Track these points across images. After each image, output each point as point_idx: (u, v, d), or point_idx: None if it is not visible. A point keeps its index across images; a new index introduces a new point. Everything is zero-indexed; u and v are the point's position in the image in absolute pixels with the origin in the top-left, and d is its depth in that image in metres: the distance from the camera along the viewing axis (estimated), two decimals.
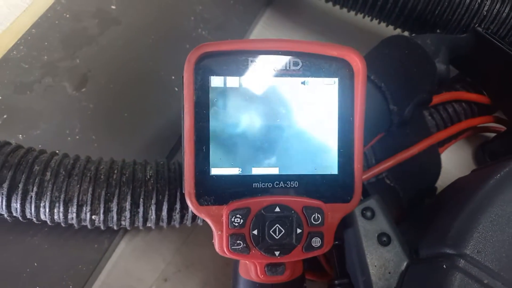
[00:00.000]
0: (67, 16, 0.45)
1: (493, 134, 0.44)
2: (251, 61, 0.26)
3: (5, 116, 0.39)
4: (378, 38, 0.38)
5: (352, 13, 0.45)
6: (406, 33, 0.45)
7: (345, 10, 0.45)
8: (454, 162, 0.43)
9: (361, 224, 0.28)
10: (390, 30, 0.45)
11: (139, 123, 0.40)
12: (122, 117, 0.41)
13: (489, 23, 0.39)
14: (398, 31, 0.45)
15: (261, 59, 0.26)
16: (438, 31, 0.41)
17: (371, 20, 0.45)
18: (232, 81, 0.26)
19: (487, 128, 0.44)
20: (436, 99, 0.40)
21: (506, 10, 0.39)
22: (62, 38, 0.44)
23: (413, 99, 0.34)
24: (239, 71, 0.26)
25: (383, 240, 0.28)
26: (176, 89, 0.43)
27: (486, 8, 0.39)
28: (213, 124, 0.26)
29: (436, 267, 0.25)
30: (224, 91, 0.26)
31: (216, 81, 0.26)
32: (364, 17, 0.45)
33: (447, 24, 0.41)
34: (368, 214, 0.28)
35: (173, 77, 0.43)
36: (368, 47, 0.38)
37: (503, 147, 0.41)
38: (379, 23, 0.44)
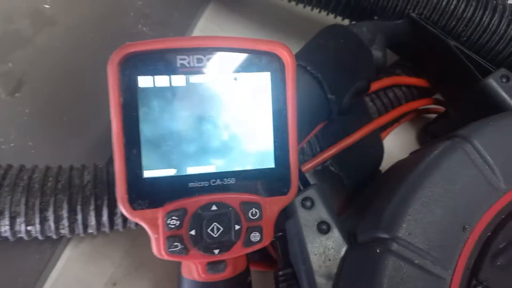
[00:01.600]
0: None
1: (434, 116, 0.46)
2: (180, 59, 0.26)
3: None
4: (322, 27, 0.38)
5: (293, 3, 0.45)
6: (347, 21, 0.45)
7: (286, 0, 0.45)
8: (398, 145, 0.45)
9: (301, 214, 0.28)
10: (331, 19, 0.45)
11: (79, 126, 0.39)
12: (61, 121, 0.39)
13: (422, 9, 0.40)
14: (339, 19, 0.45)
15: (191, 56, 0.26)
16: (375, 18, 0.42)
17: (312, 9, 0.45)
18: (161, 81, 0.25)
19: (428, 110, 0.45)
20: (376, 85, 0.41)
21: None
22: None
23: (350, 88, 0.35)
24: (168, 70, 0.25)
25: (322, 228, 0.28)
26: None
27: None
28: (143, 125, 0.25)
29: (370, 252, 0.26)
30: (153, 91, 0.25)
31: (144, 81, 0.25)
32: (304, 7, 0.45)
33: (383, 11, 0.41)
34: (308, 203, 0.29)
35: None
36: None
37: (442, 127, 0.43)
38: (319, 12, 0.45)
